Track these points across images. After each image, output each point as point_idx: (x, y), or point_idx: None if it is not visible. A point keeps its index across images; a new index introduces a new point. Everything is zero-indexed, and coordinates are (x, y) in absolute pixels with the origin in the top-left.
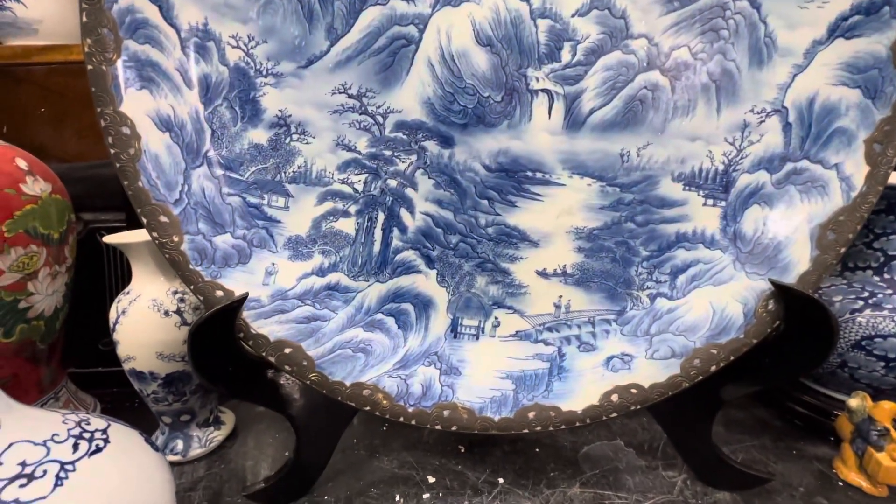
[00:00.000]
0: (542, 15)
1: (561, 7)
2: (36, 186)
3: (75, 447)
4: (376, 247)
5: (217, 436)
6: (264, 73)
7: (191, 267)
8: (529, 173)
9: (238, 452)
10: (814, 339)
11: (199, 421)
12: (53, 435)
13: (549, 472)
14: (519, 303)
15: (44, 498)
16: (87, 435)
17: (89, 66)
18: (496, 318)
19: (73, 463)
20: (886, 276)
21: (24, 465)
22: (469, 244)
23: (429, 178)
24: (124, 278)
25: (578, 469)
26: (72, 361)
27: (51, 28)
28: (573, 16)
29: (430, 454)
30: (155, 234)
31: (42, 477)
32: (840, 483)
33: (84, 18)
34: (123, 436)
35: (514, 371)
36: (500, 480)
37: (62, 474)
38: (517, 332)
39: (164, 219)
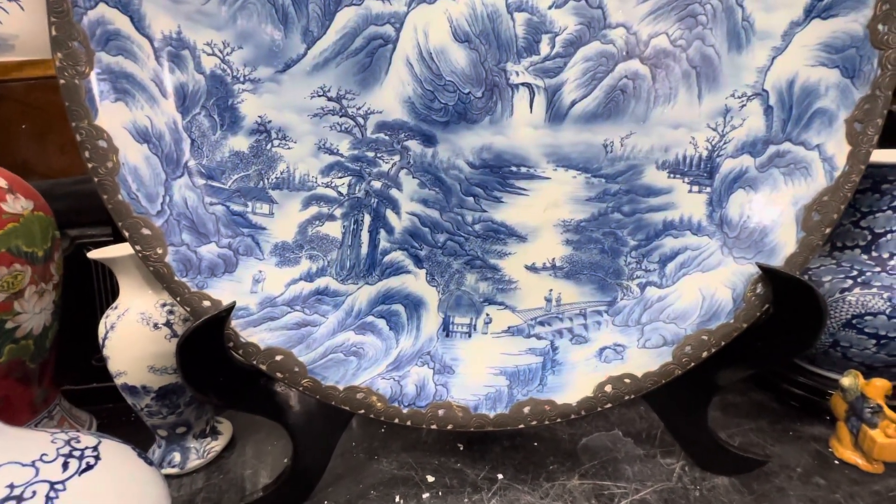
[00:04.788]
0: (519, 8)
1: None
2: (17, 204)
3: (65, 466)
4: (364, 249)
5: (215, 446)
6: (241, 79)
7: (176, 278)
8: (514, 168)
9: (237, 462)
10: (804, 321)
11: (196, 432)
12: (42, 455)
13: (549, 466)
14: (510, 298)
15: None
16: (76, 453)
17: (62, 81)
18: (487, 314)
19: (62, 482)
20: (874, 254)
21: (12, 486)
22: (457, 242)
23: (413, 177)
24: (114, 293)
25: (577, 461)
26: (65, 379)
27: (27, 43)
28: (550, 8)
29: (429, 454)
30: (138, 248)
31: (31, 498)
32: (836, 462)
33: (53, 32)
34: (115, 452)
35: (507, 367)
36: (500, 476)
37: (52, 494)
38: (509, 327)
39: (146, 231)
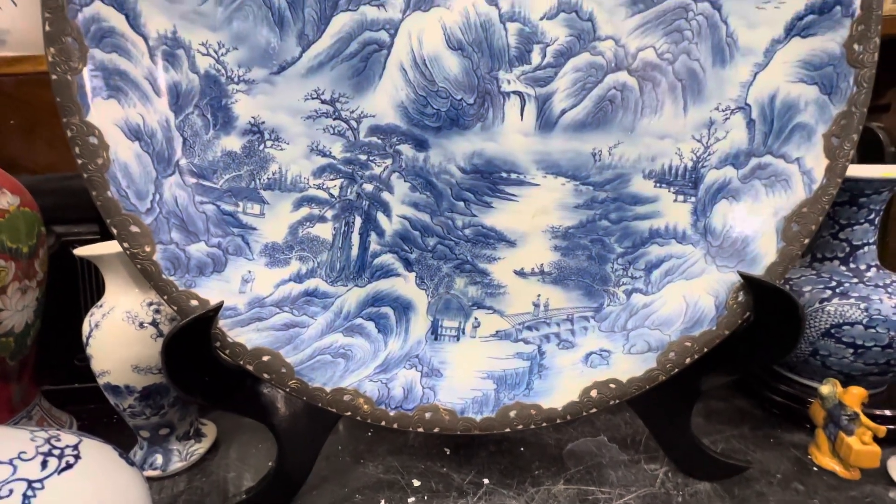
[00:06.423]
0: (511, 18)
1: (529, 10)
2: (3, 200)
3: (44, 464)
4: (354, 251)
5: (198, 449)
6: (236, 79)
7: (164, 277)
8: (504, 174)
9: (220, 465)
10: (783, 328)
11: (179, 434)
12: (20, 453)
13: (534, 471)
14: (498, 303)
15: None
16: (56, 451)
17: (53, 76)
18: (476, 318)
19: (41, 481)
20: (852, 265)
21: None
22: (447, 246)
23: (404, 181)
24: (99, 292)
25: (563, 466)
26: (46, 378)
27: (19, 39)
28: (541, 19)
29: (416, 458)
30: (126, 245)
31: (8, 496)
32: (815, 468)
33: (47, 27)
34: (96, 451)
35: (494, 371)
36: (486, 481)
37: (30, 493)
38: (497, 331)
39: (135, 229)
